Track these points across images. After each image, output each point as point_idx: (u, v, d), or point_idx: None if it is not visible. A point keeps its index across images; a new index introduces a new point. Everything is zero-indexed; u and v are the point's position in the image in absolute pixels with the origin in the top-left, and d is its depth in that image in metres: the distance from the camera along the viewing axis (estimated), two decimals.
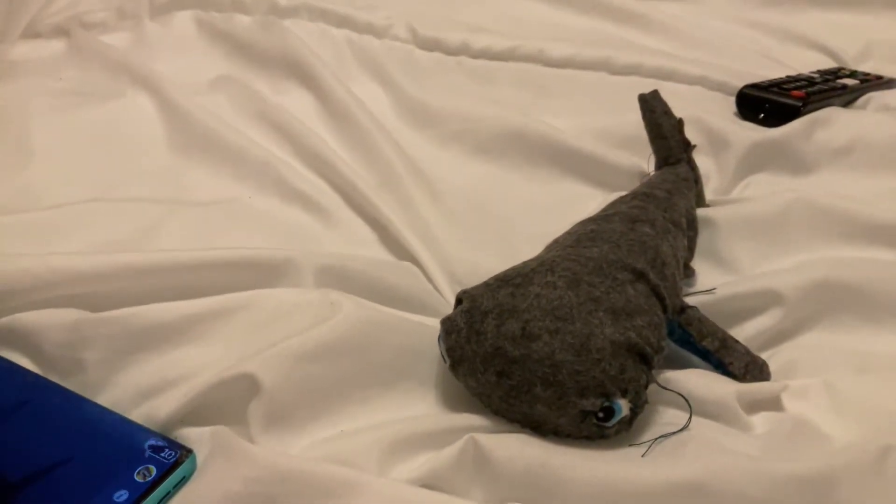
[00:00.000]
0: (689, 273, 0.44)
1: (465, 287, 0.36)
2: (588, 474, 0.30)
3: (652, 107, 0.48)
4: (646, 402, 0.32)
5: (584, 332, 0.31)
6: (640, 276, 0.35)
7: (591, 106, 0.62)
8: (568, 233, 0.40)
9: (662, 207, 0.42)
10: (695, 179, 0.48)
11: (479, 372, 0.32)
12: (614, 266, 0.35)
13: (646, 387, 0.32)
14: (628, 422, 0.32)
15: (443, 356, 0.34)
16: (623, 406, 0.31)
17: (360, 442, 0.31)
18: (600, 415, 0.31)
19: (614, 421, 0.31)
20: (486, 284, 0.35)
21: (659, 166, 0.49)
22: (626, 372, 0.31)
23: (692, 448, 0.31)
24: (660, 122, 0.48)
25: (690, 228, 0.44)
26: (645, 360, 0.32)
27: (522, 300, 0.32)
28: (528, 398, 0.31)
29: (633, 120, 0.52)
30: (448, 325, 0.34)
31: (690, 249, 0.44)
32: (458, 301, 0.35)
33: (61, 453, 0.30)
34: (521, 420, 0.32)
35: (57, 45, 0.70)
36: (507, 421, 0.33)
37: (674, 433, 0.32)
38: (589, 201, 0.52)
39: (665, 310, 0.35)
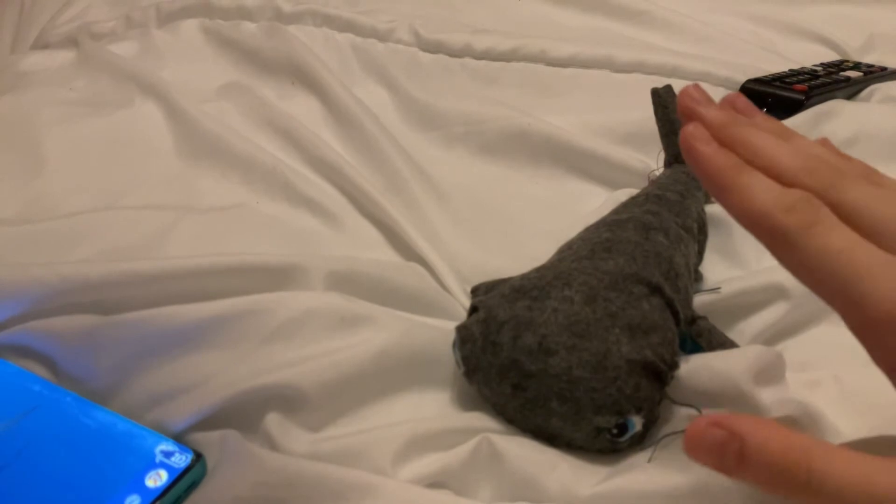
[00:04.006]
0: (697, 277, 0.44)
1: (471, 285, 0.36)
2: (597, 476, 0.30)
3: (665, 102, 0.47)
4: (658, 417, 0.32)
5: (600, 350, 0.31)
6: (656, 289, 0.35)
7: (595, 104, 0.62)
8: (582, 239, 0.39)
9: (675, 212, 0.41)
10: None
11: (494, 382, 0.33)
12: (630, 280, 0.34)
13: (659, 403, 0.32)
14: (640, 437, 0.32)
15: (458, 363, 0.34)
16: (636, 422, 0.31)
17: (376, 437, 0.31)
18: (614, 431, 0.31)
19: (627, 437, 0.31)
20: (502, 294, 0.35)
21: (668, 163, 0.49)
22: (640, 390, 0.31)
23: None
24: (672, 118, 0.47)
25: (701, 233, 0.44)
26: (659, 378, 0.32)
27: (539, 314, 0.32)
28: (544, 412, 0.32)
29: (637, 117, 0.52)
30: (464, 333, 0.34)
31: (700, 254, 0.44)
32: (473, 309, 0.35)
33: (73, 459, 0.30)
34: (535, 431, 0.33)
35: (66, 56, 0.71)
36: (521, 430, 0.33)
37: (680, 432, 0.32)
38: (593, 198, 0.52)
39: (678, 323, 0.35)
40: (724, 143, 0.27)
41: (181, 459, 0.30)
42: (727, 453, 0.23)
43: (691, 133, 0.27)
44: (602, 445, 0.32)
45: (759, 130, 0.28)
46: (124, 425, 0.32)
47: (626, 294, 0.34)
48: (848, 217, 0.25)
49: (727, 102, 0.30)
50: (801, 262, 0.25)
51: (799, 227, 0.25)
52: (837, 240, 0.24)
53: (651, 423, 0.32)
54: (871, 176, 0.27)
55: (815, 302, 0.40)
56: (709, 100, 0.29)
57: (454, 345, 0.34)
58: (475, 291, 0.37)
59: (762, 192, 0.25)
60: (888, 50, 0.72)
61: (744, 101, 0.30)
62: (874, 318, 0.23)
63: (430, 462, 0.31)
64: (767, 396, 0.31)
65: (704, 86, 0.68)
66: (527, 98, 0.64)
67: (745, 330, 0.40)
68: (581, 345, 0.31)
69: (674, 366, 0.33)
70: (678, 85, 0.49)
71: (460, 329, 0.34)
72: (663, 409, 0.33)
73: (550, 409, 0.31)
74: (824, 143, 0.29)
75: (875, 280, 0.23)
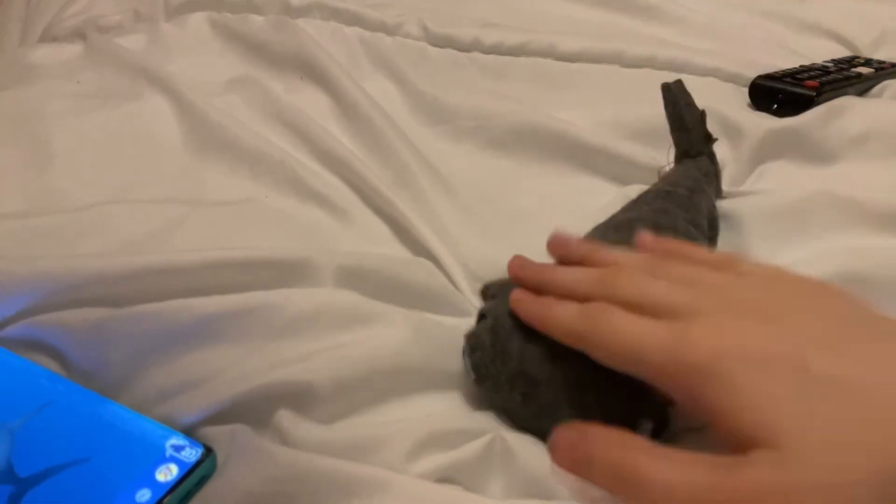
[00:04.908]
0: None
1: (480, 279, 0.35)
2: None
3: (675, 97, 0.47)
4: (668, 419, 0.32)
5: None
6: None
7: (604, 99, 0.62)
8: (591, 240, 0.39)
9: (684, 208, 0.41)
10: (714, 173, 0.48)
11: (504, 391, 0.33)
12: None
13: (669, 406, 0.32)
14: None
15: (467, 371, 0.34)
16: (647, 428, 0.31)
17: (388, 434, 0.31)
18: None
19: None
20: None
21: (679, 159, 0.48)
22: (651, 395, 0.31)
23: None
24: (682, 113, 0.47)
25: (711, 229, 0.43)
26: None
27: None
28: (555, 419, 0.31)
29: (646, 113, 0.51)
30: (473, 341, 0.34)
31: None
32: (481, 316, 0.35)
33: (83, 453, 0.30)
34: (546, 438, 0.33)
35: (74, 49, 0.71)
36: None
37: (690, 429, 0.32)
38: (602, 194, 0.51)
39: None
40: (541, 290, 0.33)
41: (192, 454, 0.30)
42: (578, 456, 0.26)
43: (515, 300, 0.33)
44: None
45: (558, 269, 0.34)
46: (134, 419, 0.32)
47: None
48: (635, 306, 0.29)
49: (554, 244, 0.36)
50: (606, 352, 0.29)
51: (590, 325, 0.29)
52: (620, 322, 0.28)
53: (662, 428, 0.32)
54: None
55: None
56: (531, 264, 0.35)
57: (464, 352, 0.34)
58: (484, 292, 0.37)
59: (564, 314, 0.31)
60: None
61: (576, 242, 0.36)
62: (667, 373, 0.27)
63: (441, 458, 0.31)
64: None
65: (715, 81, 0.68)
66: (536, 93, 0.64)
67: None
68: None
69: None
70: (689, 80, 0.49)
71: (469, 337, 0.34)
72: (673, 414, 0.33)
73: (561, 417, 0.31)
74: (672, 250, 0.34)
75: (653, 343, 0.27)
